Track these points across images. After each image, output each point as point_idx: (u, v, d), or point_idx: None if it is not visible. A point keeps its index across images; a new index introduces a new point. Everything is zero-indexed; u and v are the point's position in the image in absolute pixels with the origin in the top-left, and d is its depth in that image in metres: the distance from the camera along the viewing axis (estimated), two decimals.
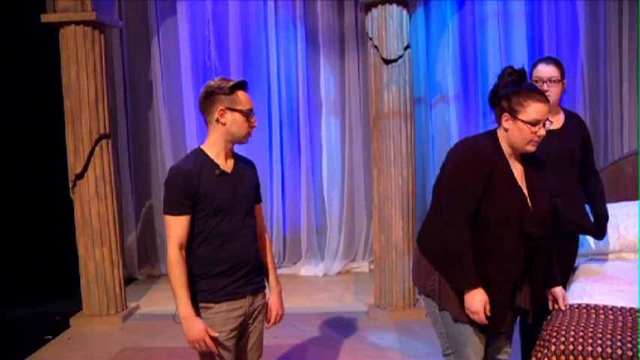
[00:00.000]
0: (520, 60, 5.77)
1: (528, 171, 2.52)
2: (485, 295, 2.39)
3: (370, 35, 4.78)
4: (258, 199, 2.67)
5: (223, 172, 2.46)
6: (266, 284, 2.71)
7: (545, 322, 2.68)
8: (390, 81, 4.74)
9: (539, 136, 2.39)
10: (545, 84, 3.12)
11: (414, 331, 4.54)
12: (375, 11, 4.73)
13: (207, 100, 2.46)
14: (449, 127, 5.99)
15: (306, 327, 4.79)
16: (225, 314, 2.48)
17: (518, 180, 2.46)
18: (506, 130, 2.43)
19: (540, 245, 2.46)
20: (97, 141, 4.90)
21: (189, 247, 2.46)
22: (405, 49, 4.75)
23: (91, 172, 4.90)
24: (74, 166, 4.91)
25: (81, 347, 4.61)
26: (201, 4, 6.17)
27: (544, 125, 2.39)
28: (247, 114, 2.44)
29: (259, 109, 6.15)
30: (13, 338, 4.91)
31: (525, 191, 2.46)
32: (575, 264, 3.45)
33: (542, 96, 2.41)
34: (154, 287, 6.01)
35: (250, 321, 2.62)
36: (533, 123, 2.36)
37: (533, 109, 2.36)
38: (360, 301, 5.29)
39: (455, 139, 5.93)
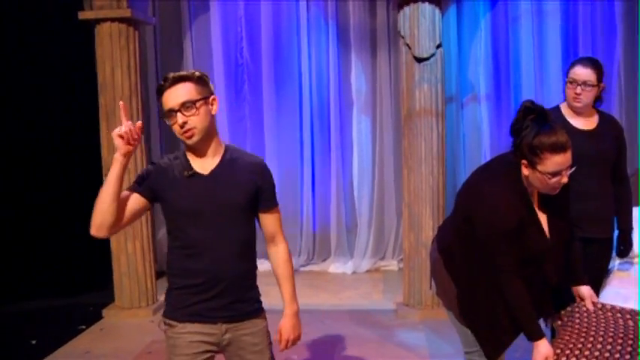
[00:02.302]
0: (554, 60, 5.71)
1: (548, 199, 2.40)
2: (550, 348, 2.35)
3: (402, 33, 4.76)
4: (266, 205, 2.29)
5: (196, 174, 2.18)
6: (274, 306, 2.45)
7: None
8: (422, 79, 4.72)
9: (561, 183, 2.25)
10: (579, 86, 3.06)
11: (442, 331, 4.52)
12: (407, 9, 4.72)
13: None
14: (480, 126, 5.94)
15: (334, 324, 4.80)
16: (189, 336, 2.18)
17: (540, 220, 2.38)
18: (526, 176, 2.30)
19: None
20: None
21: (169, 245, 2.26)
22: (437, 47, 4.73)
23: None
24: (108, 160, 4.99)
25: (112, 338, 4.70)
26: (234, 2, 6.21)
27: (567, 171, 2.24)
28: (168, 117, 2.14)
29: (290, 107, 6.21)
30: (49, 327, 5.03)
31: (545, 227, 2.39)
32: (610, 266, 3.40)
33: (561, 146, 2.19)
34: None
35: (230, 354, 2.29)
36: (553, 174, 2.22)
37: (551, 163, 2.20)
38: (388, 300, 5.28)
39: (486, 138, 5.89)
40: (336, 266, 6.31)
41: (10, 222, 5.95)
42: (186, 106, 2.10)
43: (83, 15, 4.93)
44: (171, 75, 2.14)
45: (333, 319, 4.89)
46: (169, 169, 2.20)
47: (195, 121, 2.12)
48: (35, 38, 5.99)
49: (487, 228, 2.32)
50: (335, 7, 6.12)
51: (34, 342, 4.68)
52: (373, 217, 6.31)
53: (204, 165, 2.20)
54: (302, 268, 6.32)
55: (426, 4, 4.66)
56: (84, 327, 4.92)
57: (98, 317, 5.10)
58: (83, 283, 5.89)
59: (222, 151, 2.25)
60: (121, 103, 2.14)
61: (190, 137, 2.13)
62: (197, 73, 2.19)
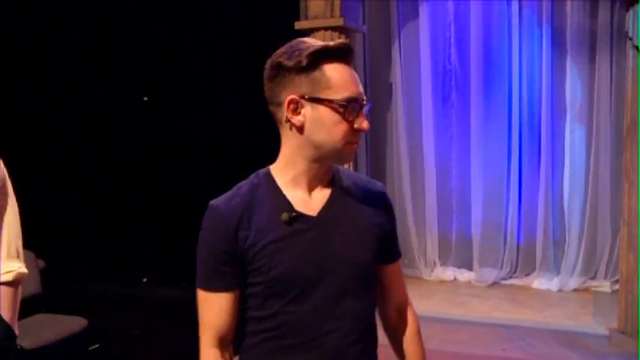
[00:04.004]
0: None
1: None
2: None
3: (630, 34, 4.38)
4: (390, 256, 1.57)
5: (299, 216, 1.40)
6: None
7: None
8: None
9: None
10: None
11: None
12: (638, 7, 4.32)
13: (272, 82, 1.41)
14: None
15: (537, 343, 4.57)
16: None
17: None
18: None
19: None
20: None
21: (239, 343, 1.49)
22: None
23: None
24: None
25: None
26: (443, 6, 6.18)
27: None
28: (345, 107, 1.35)
29: (499, 115, 6.03)
30: None
31: None
32: None
33: None
34: None
35: None
36: None
37: None
38: (599, 324, 4.89)
39: None
40: (540, 282, 5.99)
41: None
42: (364, 100, 1.39)
43: (299, 25, 5.22)
44: (346, 41, 1.44)
45: (535, 338, 4.65)
46: (249, 211, 1.41)
47: None
48: (257, 48, 6.45)
49: None
50: (550, 8, 5.81)
51: None
52: (584, 233, 5.88)
53: (309, 200, 1.44)
54: (503, 282, 6.10)
55: None
56: None
57: None
58: None
59: (331, 175, 1.48)
60: None
61: (355, 151, 1.43)
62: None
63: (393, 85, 6.38)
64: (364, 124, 1.37)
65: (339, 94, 1.34)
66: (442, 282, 6.24)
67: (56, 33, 6.52)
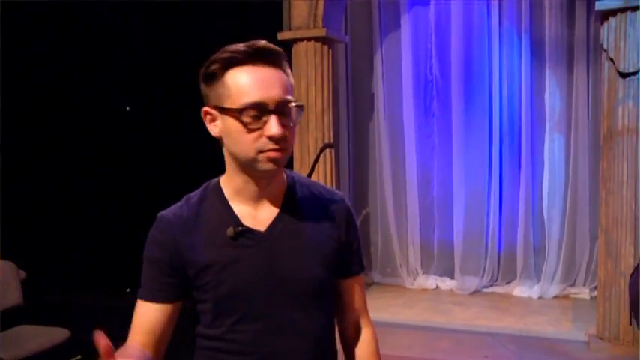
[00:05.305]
0: None
1: None
2: None
3: (605, 47, 4.47)
4: (347, 270, 1.49)
5: (246, 231, 1.34)
6: None
7: None
8: (627, 96, 4.39)
9: None
10: None
11: None
12: (612, 20, 4.42)
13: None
14: None
15: (519, 350, 4.61)
16: None
17: None
18: None
19: None
20: (322, 150, 5.18)
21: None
22: None
23: (314, 178, 5.21)
24: (299, 172, 5.24)
25: None
26: (425, 17, 6.25)
27: None
28: (243, 114, 1.26)
29: (479, 124, 6.11)
30: None
31: None
32: None
33: None
34: (366, 294, 6.18)
35: None
36: None
37: None
38: (579, 330, 4.96)
39: None
40: (521, 289, 6.05)
41: None
42: (284, 105, 1.28)
43: (282, 36, 5.26)
44: (262, 43, 1.31)
45: (517, 345, 4.69)
46: (194, 224, 1.35)
47: (290, 133, 1.31)
48: None
49: None
50: (529, 20, 5.91)
51: None
52: (564, 241, 5.96)
53: (258, 214, 1.37)
54: (485, 289, 6.16)
55: (637, 12, 4.32)
56: None
57: None
58: None
59: (284, 186, 1.41)
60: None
61: (277, 160, 1.29)
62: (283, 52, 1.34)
63: (375, 95, 6.44)
64: (273, 130, 1.25)
65: (237, 102, 1.26)
66: (424, 290, 6.28)
67: (36, 41, 6.49)
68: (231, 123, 1.27)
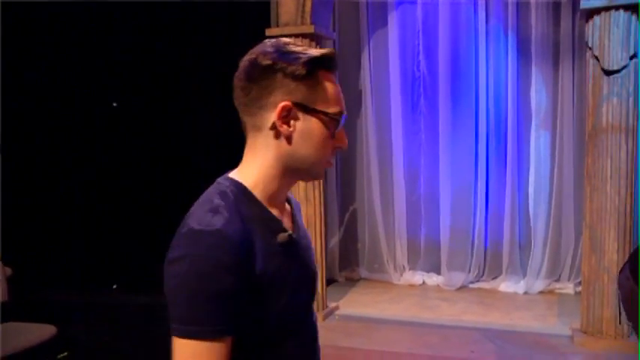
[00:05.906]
0: None
1: None
2: None
3: (590, 44, 4.51)
4: None
5: (289, 236, 1.25)
6: None
7: None
8: (611, 93, 4.44)
9: None
10: None
11: None
12: (597, 19, 4.46)
13: (257, 84, 1.22)
14: None
15: (505, 344, 4.65)
16: None
17: None
18: None
19: None
20: None
21: None
22: (631, 58, 4.42)
23: None
24: None
25: None
26: (412, 14, 6.27)
27: None
28: (337, 122, 1.24)
29: (466, 121, 6.14)
30: None
31: None
32: None
33: None
34: (353, 290, 6.23)
35: None
36: None
37: None
38: (564, 324, 5.01)
39: None
40: (507, 285, 6.11)
41: None
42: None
43: (270, 32, 5.24)
44: (333, 50, 1.29)
45: (504, 340, 4.74)
46: (250, 239, 1.18)
47: None
48: (226, 53, 6.47)
49: None
50: (516, 19, 5.95)
51: None
52: (549, 237, 6.02)
53: (284, 218, 1.31)
54: (471, 285, 6.21)
55: (621, 11, 4.38)
56: None
57: None
58: None
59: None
60: None
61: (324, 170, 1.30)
62: None
63: (363, 92, 6.45)
64: (345, 142, 1.27)
65: (332, 108, 1.23)
66: (411, 286, 6.32)
67: (28, 39, 6.45)
68: (317, 127, 1.22)
